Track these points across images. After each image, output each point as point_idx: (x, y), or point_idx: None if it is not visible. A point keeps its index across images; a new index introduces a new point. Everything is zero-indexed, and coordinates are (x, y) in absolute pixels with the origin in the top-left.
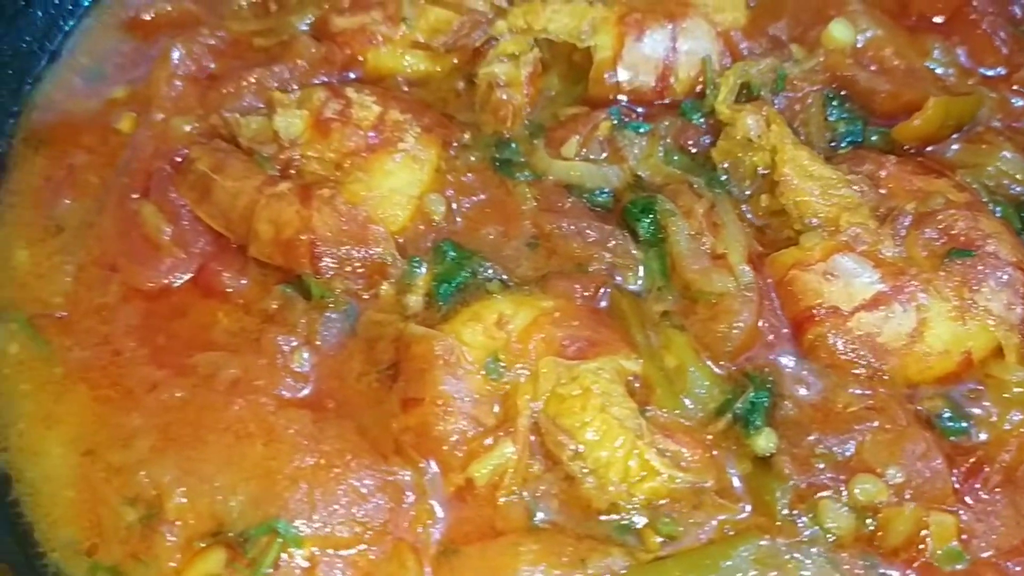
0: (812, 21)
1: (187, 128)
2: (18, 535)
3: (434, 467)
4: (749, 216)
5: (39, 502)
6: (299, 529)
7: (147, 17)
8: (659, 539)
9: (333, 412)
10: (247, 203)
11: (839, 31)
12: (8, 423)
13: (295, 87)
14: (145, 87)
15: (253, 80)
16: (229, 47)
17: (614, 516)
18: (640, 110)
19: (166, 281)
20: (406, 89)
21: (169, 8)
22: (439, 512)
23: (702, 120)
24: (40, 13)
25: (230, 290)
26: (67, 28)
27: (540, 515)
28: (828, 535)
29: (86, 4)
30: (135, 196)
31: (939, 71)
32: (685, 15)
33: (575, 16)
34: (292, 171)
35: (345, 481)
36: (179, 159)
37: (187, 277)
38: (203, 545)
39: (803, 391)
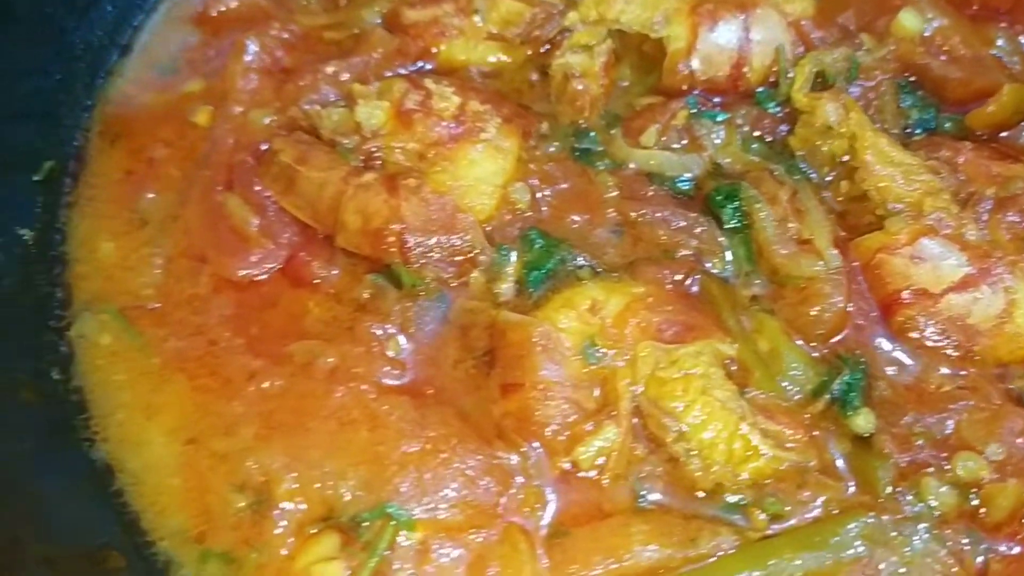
0: (877, 12)
1: (266, 121)
2: (125, 524)
3: (538, 451)
4: (829, 202)
5: (143, 491)
6: (411, 513)
7: (214, 13)
8: (763, 517)
9: (433, 398)
10: (333, 194)
11: (909, 20)
12: (106, 413)
13: (372, 79)
14: (221, 81)
15: (329, 72)
16: (300, 41)
17: (719, 496)
18: (717, 99)
19: (256, 272)
20: (479, 81)
21: (236, 4)
22: (546, 495)
23: (777, 108)
24: (110, 7)
25: (319, 280)
26: (136, 23)
27: (645, 496)
28: (933, 511)
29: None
30: (219, 188)
31: (1003, 59)
32: (756, 4)
33: (647, 7)
34: (375, 162)
35: (453, 465)
36: (261, 151)
37: (275, 267)
38: (314, 530)
39: (896, 372)
